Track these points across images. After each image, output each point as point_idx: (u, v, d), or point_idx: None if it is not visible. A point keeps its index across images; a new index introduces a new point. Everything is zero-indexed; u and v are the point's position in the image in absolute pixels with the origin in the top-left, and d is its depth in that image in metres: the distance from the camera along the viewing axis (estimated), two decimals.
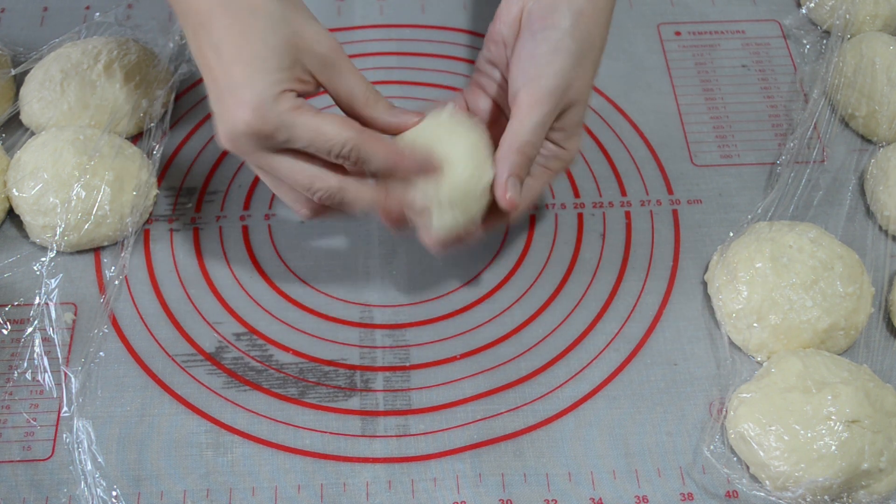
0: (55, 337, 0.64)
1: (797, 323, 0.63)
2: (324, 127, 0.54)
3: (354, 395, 0.64)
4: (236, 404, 0.63)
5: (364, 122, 0.58)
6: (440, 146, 0.58)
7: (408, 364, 0.65)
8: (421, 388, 0.64)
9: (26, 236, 0.69)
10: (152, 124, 0.74)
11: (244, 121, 0.53)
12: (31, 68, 0.74)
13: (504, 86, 0.63)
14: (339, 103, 0.58)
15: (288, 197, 0.59)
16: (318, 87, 0.57)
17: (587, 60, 0.60)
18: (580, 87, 0.60)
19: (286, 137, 0.54)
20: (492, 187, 0.59)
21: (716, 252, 0.69)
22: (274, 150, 0.55)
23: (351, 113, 0.58)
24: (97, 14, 0.80)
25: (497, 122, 0.64)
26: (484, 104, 0.64)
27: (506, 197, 0.58)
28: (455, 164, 0.57)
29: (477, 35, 0.82)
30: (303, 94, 0.56)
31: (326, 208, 0.59)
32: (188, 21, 0.56)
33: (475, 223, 0.60)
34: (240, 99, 0.53)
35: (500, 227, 0.64)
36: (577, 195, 0.73)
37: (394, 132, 0.59)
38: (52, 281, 0.66)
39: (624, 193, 0.74)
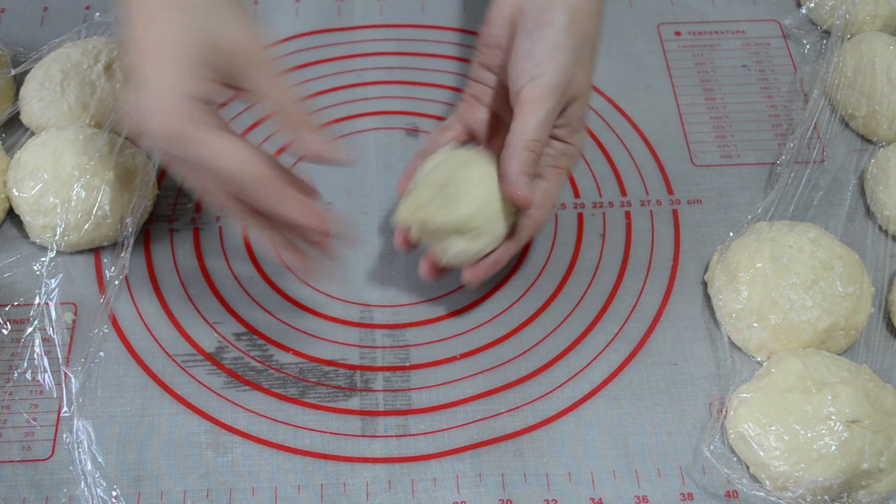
0: (55, 337, 0.64)
1: (797, 323, 0.63)
2: (225, 155, 0.49)
3: (354, 395, 0.64)
4: (236, 404, 0.63)
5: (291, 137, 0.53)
6: (458, 175, 0.59)
7: (408, 364, 0.65)
8: (421, 388, 0.64)
9: (26, 236, 0.69)
10: None
11: (148, 124, 0.49)
12: (31, 68, 0.74)
13: (501, 91, 0.63)
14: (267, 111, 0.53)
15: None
16: (234, 92, 0.52)
17: (585, 55, 0.60)
18: (580, 82, 0.60)
19: (184, 151, 0.50)
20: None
21: (716, 252, 0.69)
22: (180, 157, 0.51)
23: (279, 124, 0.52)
24: (97, 14, 0.80)
25: (497, 131, 0.64)
26: (481, 115, 0.64)
27: (518, 194, 0.58)
28: (474, 189, 0.59)
29: (477, 35, 0.82)
30: (220, 101, 0.52)
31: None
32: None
33: (500, 242, 0.61)
34: (146, 101, 0.49)
35: (524, 240, 0.62)
36: (577, 195, 0.73)
37: (319, 161, 0.53)
38: (52, 281, 0.66)
39: (624, 193, 0.74)
